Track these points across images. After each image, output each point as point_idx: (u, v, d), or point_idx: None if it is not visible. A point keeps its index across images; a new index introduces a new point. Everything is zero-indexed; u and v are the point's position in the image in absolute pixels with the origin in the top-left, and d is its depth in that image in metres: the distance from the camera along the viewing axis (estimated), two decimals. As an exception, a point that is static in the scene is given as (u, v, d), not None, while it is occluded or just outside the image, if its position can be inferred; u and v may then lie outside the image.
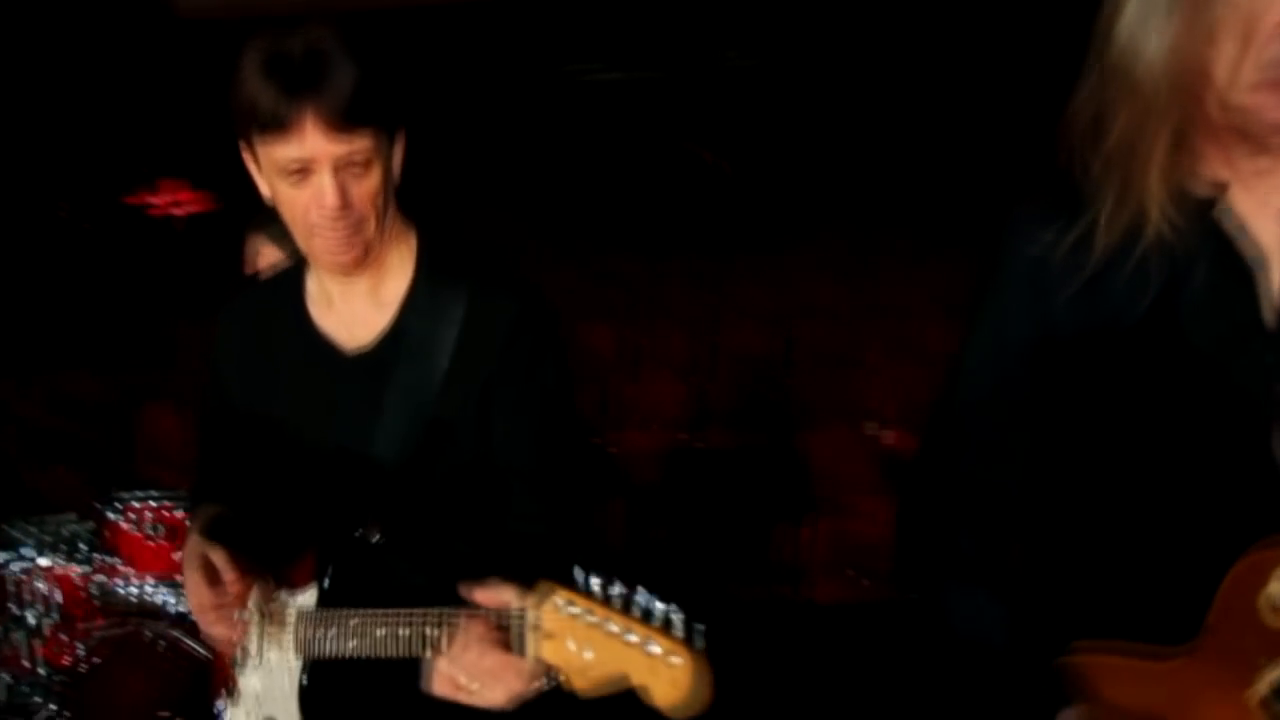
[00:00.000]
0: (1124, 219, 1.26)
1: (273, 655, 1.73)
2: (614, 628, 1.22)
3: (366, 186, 1.58)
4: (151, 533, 3.35)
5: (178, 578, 3.36)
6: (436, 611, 1.45)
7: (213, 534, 1.75)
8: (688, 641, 1.19)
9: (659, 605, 1.22)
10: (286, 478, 1.81)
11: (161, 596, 3.32)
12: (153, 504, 3.38)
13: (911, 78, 7.04)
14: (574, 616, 1.26)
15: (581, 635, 1.25)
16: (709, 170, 8.02)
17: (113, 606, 3.35)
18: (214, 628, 1.71)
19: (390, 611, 1.51)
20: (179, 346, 8.07)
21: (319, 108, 1.50)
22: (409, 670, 1.49)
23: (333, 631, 1.60)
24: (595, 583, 1.26)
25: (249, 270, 3.32)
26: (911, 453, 1.42)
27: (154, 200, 11.06)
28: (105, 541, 3.41)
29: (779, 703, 4.02)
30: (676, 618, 1.21)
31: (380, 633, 1.51)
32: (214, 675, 1.87)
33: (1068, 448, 1.35)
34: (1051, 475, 1.38)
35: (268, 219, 3.36)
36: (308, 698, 1.67)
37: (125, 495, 3.39)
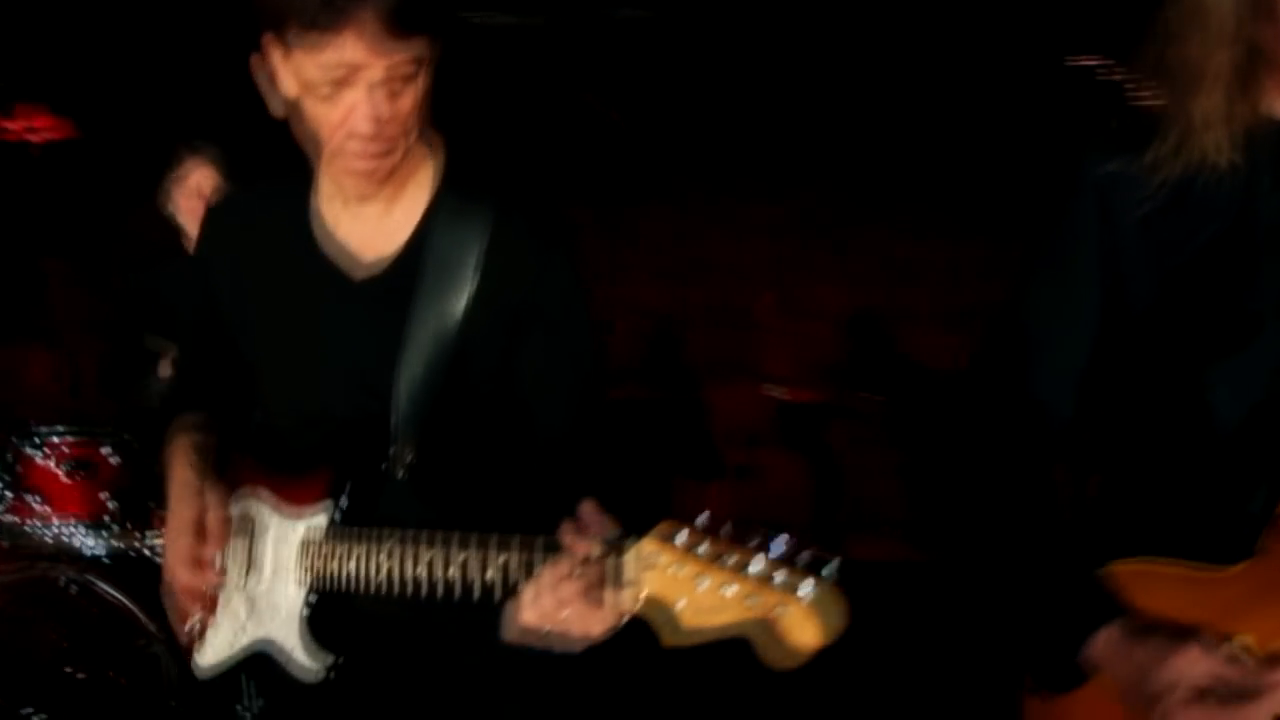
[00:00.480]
0: (1188, 145, 1.29)
1: (267, 576, 1.64)
2: (713, 579, 1.15)
3: (407, 102, 1.46)
4: (68, 471, 3.13)
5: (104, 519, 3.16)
6: (505, 540, 1.33)
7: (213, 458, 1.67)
8: (792, 591, 1.10)
9: (768, 556, 1.13)
10: (283, 395, 1.70)
11: (78, 539, 3.11)
12: (71, 439, 3.16)
13: (814, 30, 7.07)
14: (666, 566, 1.19)
15: (675, 586, 1.18)
16: (604, 120, 7.91)
17: (21, 549, 3.13)
18: (182, 590, 1.64)
19: (443, 535, 1.38)
20: (47, 282, 7.61)
21: (375, 7, 1.35)
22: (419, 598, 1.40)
23: (360, 552, 1.48)
24: (693, 531, 1.19)
25: (184, 201, 3.10)
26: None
27: (8, 125, 10.32)
28: (21, 479, 3.17)
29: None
30: (788, 569, 1.12)
31: (430, 558, 1.38)
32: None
33: (1130, 372, 1.37)
34: (1110, 398, 1.40)
35: (208, 142, 3.15)
36: (315, 619, 1.57)
37: (45, 430, 3.16)
